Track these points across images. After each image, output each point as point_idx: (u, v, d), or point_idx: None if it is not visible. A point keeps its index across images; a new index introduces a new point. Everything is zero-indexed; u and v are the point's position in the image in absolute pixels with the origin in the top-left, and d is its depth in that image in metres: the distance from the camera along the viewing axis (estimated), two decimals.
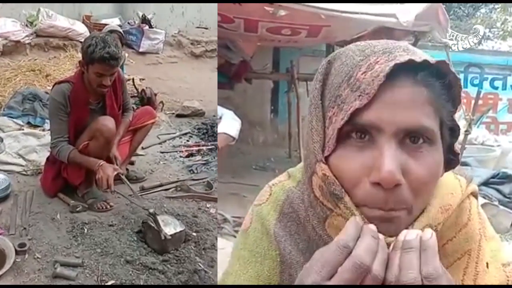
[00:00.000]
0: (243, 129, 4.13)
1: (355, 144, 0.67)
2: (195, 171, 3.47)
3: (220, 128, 3.85)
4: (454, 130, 0.73)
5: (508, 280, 0.79)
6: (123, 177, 2.80)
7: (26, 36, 5.28)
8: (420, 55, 0.68)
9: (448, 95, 0.70)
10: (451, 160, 0.76)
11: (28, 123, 3.92)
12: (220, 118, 3.97)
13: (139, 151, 3.56)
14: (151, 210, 2.49)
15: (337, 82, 0.69)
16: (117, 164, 2.83)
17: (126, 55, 5.31)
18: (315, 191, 0.71)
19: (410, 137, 0.66)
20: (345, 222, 0.65)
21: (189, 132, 4.28)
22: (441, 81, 0.68)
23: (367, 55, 0.68)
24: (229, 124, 3.90)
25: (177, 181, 3.26)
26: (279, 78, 6.76)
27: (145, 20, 6.20)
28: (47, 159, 2.99)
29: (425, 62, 0.65)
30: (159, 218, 2.46)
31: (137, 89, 4.59)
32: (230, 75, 5.57)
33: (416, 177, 0.65)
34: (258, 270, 0.83)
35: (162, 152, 3.81)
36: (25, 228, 2.55)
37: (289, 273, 0.80)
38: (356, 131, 0.67)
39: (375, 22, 4.19)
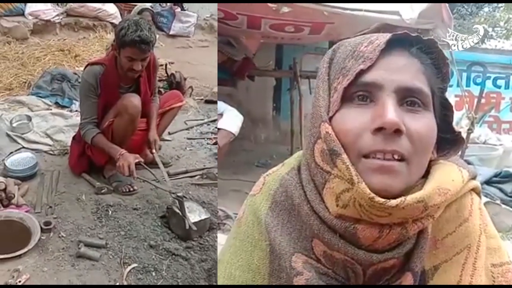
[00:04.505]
0: (246, 126, 4.12)
1: (357, 105, 0.75)
2: None
3: (221, 124, 3.83)
4: (446, 107, 0.81)
5: (494, 281, 0.79)
6: (144, 165, 2.78)
7: (57, 15, 5.26)
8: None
9: (437, 72, 0.79)
10: (455, 139, 0.81)
11: (56, 103, 3.95)
12: (221, 114, 3.95)
13: (165, 136, 3.55)
14: (180, 194, 2.48)
15: (342, 58, 0.79)
16: (155, 149, 2.84)
17: (157, 36, 5.24)
18: (316, 158, 0.76)
19: (407, 101, 0.74)
20: (341, 184, 0.71)
21: (217, 119, 4.21)
22: (431, 57, 0.78)
23: (367, 37, 0.79)
24: (230, 120, 3.88)
25: (203, 168, 3.24)
26: (281, 76, 6.75)
27: (177, 2, 6.10)
28: (73, 137, 3.03)
29: (418, 37, 0.76)
30: (185, 204, 2.47)
31: (167, 74, 4.50)
32: (233, 72, 5.56)
33: (415, 129, 0.72)
34: (248, 260, 0.85)
35: (189, 139, 3.77)
36: (50, 207, 2.60)
37: (279, 263, 0.81)
38: (359, 92, 0.75)
39: (378, 20, 4.18)
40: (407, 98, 0.74)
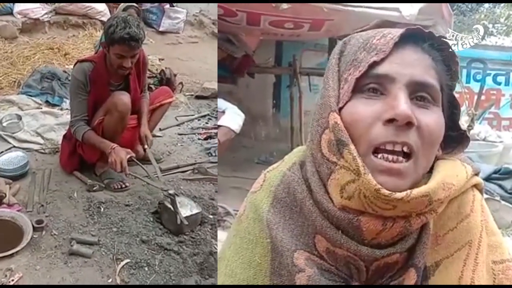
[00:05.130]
0: (245, 123, 4.12)
1: (368, 96, 0.75)
2: (213, 154, 3.46)
3: (222, 122, 3.83)
4: (454, 104, 0.82)
5: (494, 278, 0.79)
6: (136, 161, 2.78)
7: (46, 13, 5.26)
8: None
9: (447, 69, 0.80)
10: (460, 137, 0.82)
11: (47, 101, 3.94)
12: (223, 111, 3.95)
13: (156, 132, 3.55)
14: (171, 191, 2.50)
15: (353, 50, 0.79)
16: (147, 144, 2.83)
17: (146, 33, 5.27)
18: (323, 148, 0.75)
19: (417, 96, 0.75)
20: (347, 175, 0.71)
21: (208, 114, 4.24)
22: (441, 54, 0.78)
23: (380, 31, 0.79)
24: (231, 118, 3.88)
25: (194, 163, 3.26)
26: (281, 72, 6.73)
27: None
28: (64, 136, 3.03)
29: (430, 33, 0.77)
30: (176, 199, 2.48)
31: (152, 71, 4.50)
32: (233, 69, 5.54)
33: (426, 124, 0.72)
34: (249, 257, 0.84)
35: (180, 134, 3.80)
36: (42, 205, 2.60)
37: (280, 261, 0.80)
38: (370, 84, 0.75)
39: (378, 16, 4.16)
40: (418, 92, 0.75)
